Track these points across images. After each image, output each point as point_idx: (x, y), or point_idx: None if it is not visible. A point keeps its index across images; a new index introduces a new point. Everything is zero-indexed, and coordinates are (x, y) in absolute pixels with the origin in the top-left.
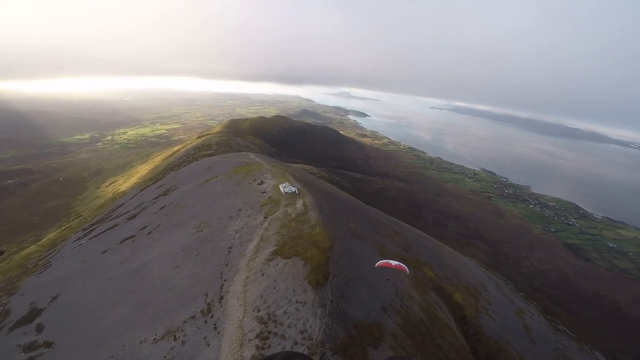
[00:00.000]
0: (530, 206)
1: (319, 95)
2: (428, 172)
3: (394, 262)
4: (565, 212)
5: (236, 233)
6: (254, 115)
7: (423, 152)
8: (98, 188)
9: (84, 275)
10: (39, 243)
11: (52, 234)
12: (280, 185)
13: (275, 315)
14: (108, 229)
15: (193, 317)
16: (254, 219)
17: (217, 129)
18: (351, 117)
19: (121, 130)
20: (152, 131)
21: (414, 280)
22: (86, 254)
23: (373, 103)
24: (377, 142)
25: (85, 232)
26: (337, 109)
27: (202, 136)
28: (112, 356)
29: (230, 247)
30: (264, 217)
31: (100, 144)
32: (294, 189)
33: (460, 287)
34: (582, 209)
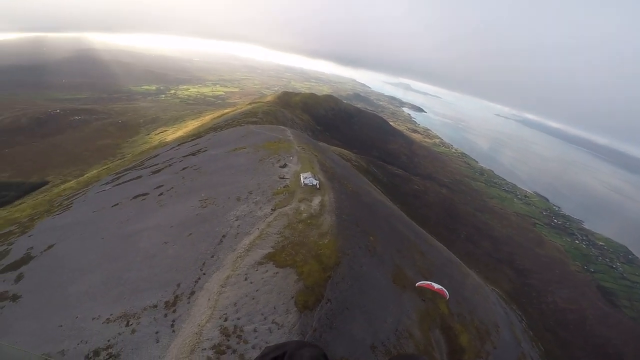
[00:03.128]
0: (577, 241)
1: (375, 82)
2: (475, 184)
3: (436, 286)
4: (612, 254)
5: (236, 220)
6: (306, 91)
7: (475, 160)
8: (148, 135)
9: (85, 228)
10: (79, 179)
11: (94, 171)
12: (301, 174)
13: (242, 331)
14: (132, 179)
15: (155, 306)
16: (260, 208)
17: (268, 98)
18: (405, 109)
19: (184, 87)
20: (212, 91)
21: (423, 314)
22: (101, 203)
23: (433, 99)
24: (427, 140)
25: (115, 177)
26: (392, 99)
27: (253, 103)
28: (61, 326)
29: (223, 236)
30: (272, 209)
31: (163, 96)
32: (314, 182)
33: (470, 327)
34: (633, 255)
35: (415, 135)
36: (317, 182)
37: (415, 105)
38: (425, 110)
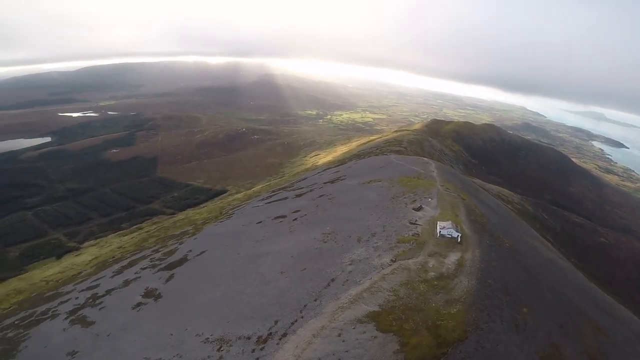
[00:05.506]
0: None
1: (554, 111)
2: None
3: None
4: None
5: (350, 264)
6: (461, 120)
7: None
8: (305, 157)
9: (231, 240)
10: (247, 192)
11: (260, 186)
12: (437, 222)
13: None
14: (280, 200)
15: (248, 338)
16: (379, 255)
17: (416, 126)
18: (597, 144)
19: (338, 112)
20: (361, 117)
21: None
22: (251, 218)
23: (638, 131)
24: (627, 184)
25: (270, 194)
26: (578, 130)
27: (400, 131)
28: (171, 334)
29: (332, 280)
30: (392, 260)
31: (321, 121)
32: (455, 235)
33: None
34: None
35: (609, 177)
36: (459, 234)
37: (611, 139)
38: (626, 145)
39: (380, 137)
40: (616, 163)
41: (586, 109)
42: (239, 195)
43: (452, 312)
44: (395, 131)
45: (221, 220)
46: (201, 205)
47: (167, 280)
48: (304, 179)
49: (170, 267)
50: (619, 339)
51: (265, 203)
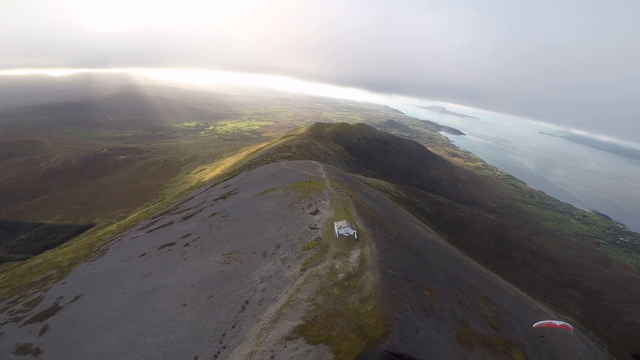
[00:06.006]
0: None
1: (409, 107)
2: (525, 207)
3: (558, 323)
4: None
5: (261, 282)
6: (338, 121)
7: (523, 182)
8: (188, 173)
9: (112, 279)
10: (120, 222)
11: (136, 213)
12: (335, 223)
13: None
14: (164, 225)
15: None
16: (289, 267)
17: (301, 131)
18: (443, 133)
19: (222, 122)
20: (248, 126)
21: None
22: (131, 251)
23: (470, 121)
24: (469, 164)
25: (150, 221)
26: (428, 123)
27: (287, 136)
28: None
29: (247, 302)
30: (302, 269)
31: (202, 132)
32: (351, 232)
33: None
34: None
35: (456, 160)
36: (355, 231)
37: (452, 128)
38: (463, 132)
39: (270, 144)
40: (459, 148)
41: (432, 104)
42: (112, 228)
43: (369, 309)
44: (284, 137)
45: (93, 258)
46: (63, 245)
47: (41, 333)
48: (190, 198)
49: (40, 317)
50: (505, 305)
51: (146, 232)
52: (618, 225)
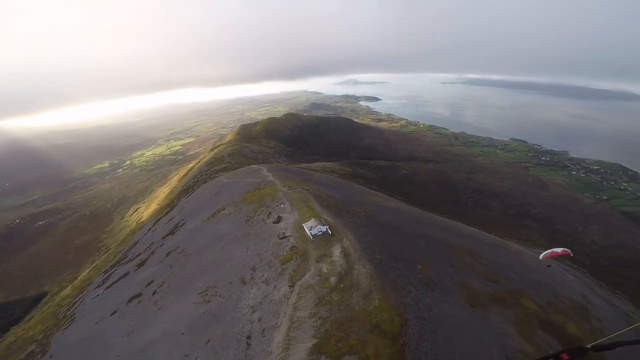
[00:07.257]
0: (573, 172)
1: (326, 87)
2: (455, 149)
3: (559, 250)
4: (613, 176)
5: (253, 312)
6: (264, 117)
7: (445, 128)
8: (123, 218)
9: (95, 344)
10: (73, 284)
11: (85, 271)
12: (304, 225)
13: None
14: (121, 278)
15: None
16: (274, 287)
17: (229, 138)
18: (362, 103)
19: (138, 153)
20: (168, 149)
21: (518, 324)
22: (99, 311)
23: (382, 86)
24: (394, 125)
25: (105, 276)
26: (347, 97)
27: (215, 147)
28: None
29: (248, 337)
30: (290, 285)
31: (120, 170)
32: (324, 229)
33: (567, 311)
34: (631, 170)
35: (382, 124)
36: (327, 227)
37: (369, 96)
38: (380, 97)
39: (200, 161)
40: (380, 112)
41: (345, 78)
42: (67, 292)
43: (376, 304)
44: (212, 149)
45: (65, 326)
46: (26, 319)
47: None
48: (136, 242)
49: None
50: (489, 255)
51: (105, 289)
52: (535, 146)
